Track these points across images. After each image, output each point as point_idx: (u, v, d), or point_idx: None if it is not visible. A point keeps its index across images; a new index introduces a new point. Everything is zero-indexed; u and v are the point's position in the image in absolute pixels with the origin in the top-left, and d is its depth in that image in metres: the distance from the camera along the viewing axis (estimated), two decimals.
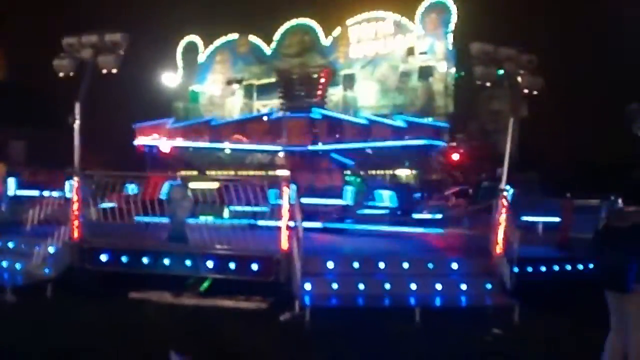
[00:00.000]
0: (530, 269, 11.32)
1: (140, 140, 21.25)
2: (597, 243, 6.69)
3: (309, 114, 17.71)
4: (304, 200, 13.65)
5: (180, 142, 19.37)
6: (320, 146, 16.81)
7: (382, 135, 18.33)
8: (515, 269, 10.66)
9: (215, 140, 19.37)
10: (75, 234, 11.29)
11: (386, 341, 8.68)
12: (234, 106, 27.93)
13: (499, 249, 10.95)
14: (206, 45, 29.47)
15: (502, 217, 11.06)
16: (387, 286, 10.31)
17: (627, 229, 6.15)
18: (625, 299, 6.12)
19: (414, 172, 20.56)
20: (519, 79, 12.08)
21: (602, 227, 6.67)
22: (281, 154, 18.54)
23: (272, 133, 17.60)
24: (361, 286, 10.24)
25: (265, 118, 19.23)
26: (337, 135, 17.48)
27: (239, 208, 12.72)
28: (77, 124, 11.80)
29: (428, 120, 19.10)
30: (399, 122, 17.43)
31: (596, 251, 6.74)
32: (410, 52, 23.92)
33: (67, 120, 11.82)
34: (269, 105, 25.88)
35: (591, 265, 10.59)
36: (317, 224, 14.77)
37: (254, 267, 10.55)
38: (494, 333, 9.06)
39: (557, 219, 13.72)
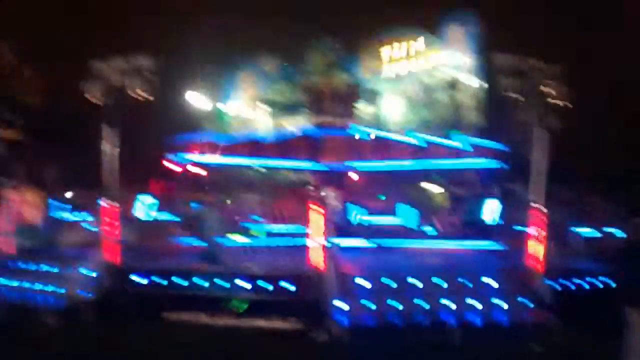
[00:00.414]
0: (571, 284, 11.14)
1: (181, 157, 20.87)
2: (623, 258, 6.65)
3: (348, 131, 17.49)
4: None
5: (210, 159, 19.08)
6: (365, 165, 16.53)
7: (436, 155, 18.05)
8: (555, 285, 10.53)
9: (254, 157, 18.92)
10: (112, 257, 11.50)
11: (422, 358, 8.63)
12: (260, 125, 28.09)
13: (534, 263, 10.81)
14: (232, 64, 29.75)
15: (538, 232, 10.93)
16: (423, 304, 10.24)
17: None
18: None
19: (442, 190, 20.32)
20: (547, 89, 12.00)
21: (625, 242, 6.63)
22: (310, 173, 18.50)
23: (309, 150, 17.27)
24: (397, 304, 10.18)
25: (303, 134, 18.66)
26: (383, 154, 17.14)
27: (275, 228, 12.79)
28: (108, 147, 12.03)
29: (487, 142, 18.85)
30: (457, 143, 17.26)
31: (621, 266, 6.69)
32: (436, 66, 23.86)
33: (99, 144, 12.07)
34: (296, 124, 25.96)
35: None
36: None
37: (289, 287, 10.59)
38: (533, 350, 8.94)
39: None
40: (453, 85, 23.33)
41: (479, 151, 17.13)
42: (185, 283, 11.10)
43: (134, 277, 11.25)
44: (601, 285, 11.47)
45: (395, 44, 24.92)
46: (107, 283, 11.26)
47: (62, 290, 11.24)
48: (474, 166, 17.15)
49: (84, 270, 11.38)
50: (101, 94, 12.26)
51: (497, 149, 17.54)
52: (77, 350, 9.02)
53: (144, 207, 15.32)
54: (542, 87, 12.15)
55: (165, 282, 11.19)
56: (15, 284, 11.90)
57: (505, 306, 10.23)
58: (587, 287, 11.37)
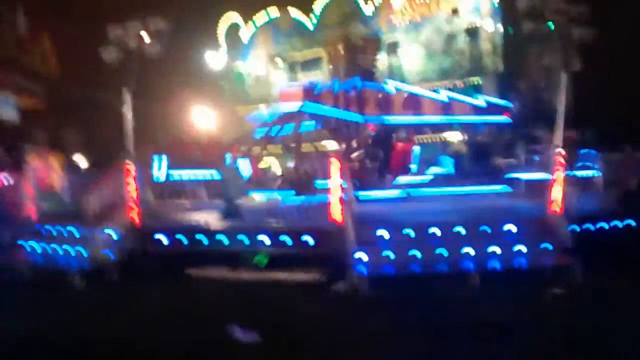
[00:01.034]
0: (590, 226, 11.02)
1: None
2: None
3: (381, 86, 17.27)
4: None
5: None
6: (397, 119, 16.41)
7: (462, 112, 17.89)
8: (575, 227, 10.41)
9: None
10: (135, 218, 11.68)
11: (444, 307, 8.64)
12: (279, 83, 27.94)
13: (556, 207, 10.68)
14: (247, 23, 29.49)
15: (559, 175, 10.76)
16: (443, 252, 10.23)
17: None
18: None
19: (463, 136, 20.08)
20: (570, 31, 11.60)
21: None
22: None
23: (348, 103, 16.98)
24: (416, 253, 10.18)
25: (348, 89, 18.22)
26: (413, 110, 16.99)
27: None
28: (127, 111, 12.11)
29: (503, 102, 18.55)
30: (479, 101, 17.04)
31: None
32: (455, 12, 23.30)
33: (118, 107, 12.15)
34: (313, 79, 25.74)
35: None
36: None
37: (309, 240, 10.66)
38: (555, 293, 8.89)
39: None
40: (474, 31, 22.80)
41: (497, 109, 16.87)
42: (207, 239, 11.25)
43: (155, 236, 11.43)
44: (621, 227, 11.33)
45: None
46: (130, 243, 11.47)
47: (86, 252, 11.47)
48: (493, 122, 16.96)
49: (107, 232, 11.59)
50: (118, 57, 12.29)
51: (510, 107, 17.31)
52: (103, 309, 9.23)
53: (164, 167, 15.42)
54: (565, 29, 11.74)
55: (187, 240, 11.36)
56: (40, 246, 12.18)
57: (526, 251, 10.17)
58: (608, 229, 11.23)
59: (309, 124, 17.01)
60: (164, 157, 15.32)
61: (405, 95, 16.56)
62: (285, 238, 10.80)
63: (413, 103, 16.43)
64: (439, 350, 7.13)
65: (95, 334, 8.01)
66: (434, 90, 17.31)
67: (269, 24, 28.84)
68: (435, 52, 23.86)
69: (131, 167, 11.84)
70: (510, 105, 17.69)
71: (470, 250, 10.18)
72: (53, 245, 11.97)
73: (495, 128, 18.06)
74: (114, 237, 11.61)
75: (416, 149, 17.13)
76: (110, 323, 8.52)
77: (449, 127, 19.36)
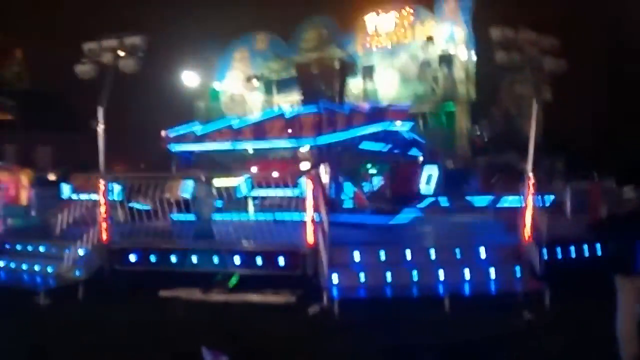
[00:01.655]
0: (560, 253, 11.17)
1: (174, 147, 21.34)
2: (606, 229, 6.68)
3: (315, 107, 17.64)
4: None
5: (207, 146, 19.54)
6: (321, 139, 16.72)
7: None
8: (545, 253, 10.54)
9: (237, 141, 19.34)
10: (104, 236, 11.47)
11: (416, 331, 8.63)
12: (255, 103, 28.00)
13: (527, 233, 10.80)
14: (225, 43, 29.59)
15: (530, 201, 10.90)
16: (415, 275, 10.25)
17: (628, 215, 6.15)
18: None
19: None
20: (542, 62, 11.88)
21: (608, 213, 6.67)
22: (303, 149, 18.49)
23: (291, 129, 17.51)
24: (389, 276, 10.20)
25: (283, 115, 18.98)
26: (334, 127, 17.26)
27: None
28: (101, 128, 11.97)
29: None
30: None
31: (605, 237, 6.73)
32: (430, 40, 23.69)
33: (91, 124, 12.01)
34: (290, 100, 25.87)
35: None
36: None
37: (281, 261, 10.59)
38: (526, 318, 8.95)
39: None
40: (448, 59, 23.19)
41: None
42: (178, 260, 11.10)
43: (126, 256, 11.24)
44: (588, 254, 11.50)
45: (389, 18, 24.77)
46: (98, 261, 11.25)
47: (52, 269, 11.22)
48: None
49: (74, 249, 11.35)
50: (93, 74, 12.18)
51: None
52: (68, 329, 9.00)
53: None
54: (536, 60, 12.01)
55: (158, 259, 11.19)
56: (4, 263, 11.88)
57: (497, 275, 10.25)
58: (576, 255, 11.39)
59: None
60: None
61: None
62: (258, 259, 10.71)
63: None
64: None
65: (60, 354, 7.79)
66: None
67: (246, 44, 28.97)
68: (409, 78, 24.19)
69: (102, 184, 11.65)
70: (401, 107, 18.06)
71: (444, 274, 10.21)
72: (18, 262, 11.67)
73: (469, 155, 18.36)
74: (82, 254, 11.37)
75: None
76: (75, 343, 8.29)
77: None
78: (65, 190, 14.92)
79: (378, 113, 16.84)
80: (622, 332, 6.30)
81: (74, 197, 12.84)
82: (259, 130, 17.96)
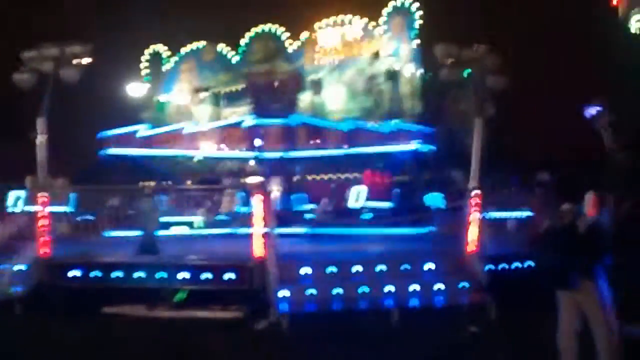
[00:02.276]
0: (503, 266, 11.44)
1: (111, 150, 20.77)
2: (543, 244, 6.87)
3: (285, 120, 17.62)
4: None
5: (152, 151, 18.93)
6: (297, 153, 16.75)
7: (366, 141, 18.38)
8: (489, 267, 10.78)
9: (187, 148, 19.03)
10: (44, 250, 11.05)
11: (365, 344, 8.67)
12: (202, 115, 27.68)
13: (471, 247, 11.03)
14: (171, 54, 29.22)
15: (474, 216, 11.15)
16: (364, 289, 10.30)
17: (583, 232, 6.33)
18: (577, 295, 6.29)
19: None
20: (485, 78, 12.23)
21: (545, 228, 6.86)
22: (252, 162, 18.42)
23: (248, 140, 17.41)
24: (338, 290, 10.22)
25: (243, 124, 18.79)
26: (317, 142, 17.42)
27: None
28: (40, 139, 11.57)
29: (416, 126, 19.28)
30: (385, 128, 17.62)
31: (542, 251, 6.92)
32: (377, 55, 24.04)
33: (30, 134, 11.62)
34: (237, 113, 25.70)
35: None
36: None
37: (229, 276, 10.47)
38: (471, 331, 9.11)
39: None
40: (394, 74, 23.55)
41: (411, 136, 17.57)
42: (123, 275, 10.81)
43: (68, 271, 10.87)
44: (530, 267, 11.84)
45: (336, 33, 25.01)
46: (40, 277, 10.84)
47: None
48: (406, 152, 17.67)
49: (14, 264, 10.90)
50: (32, 82, 11.81)
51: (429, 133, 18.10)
52: (4, 347, 8.61)
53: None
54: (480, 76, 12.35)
55: (101, 275, 10.87)
56: None
57: (444, 289, 10.42)
58: (519, 269, 11.71)
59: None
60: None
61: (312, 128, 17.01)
62: (205, 274, 10.55)
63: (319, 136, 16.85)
64: None
65: None
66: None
67: (193, 56, 28.67)
68: (357, 92, 24.43)
69: (43, 197, 11.25)
70: (427, 129, 18.37)
71: (392, 288, 10.31)
72: None
73: (416, 168, 18.63)
74: (22, 269, 10.93)
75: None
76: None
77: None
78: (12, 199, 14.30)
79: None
80: (563, 345, 6.49)
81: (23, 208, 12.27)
82: (213, 138, 17.63)
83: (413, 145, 18.01)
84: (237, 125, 18.11)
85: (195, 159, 19.25)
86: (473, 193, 11.32)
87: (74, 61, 12.00)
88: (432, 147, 18.59)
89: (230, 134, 17.80)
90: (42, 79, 11.91)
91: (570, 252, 6.27)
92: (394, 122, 19.89)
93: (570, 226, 6.45)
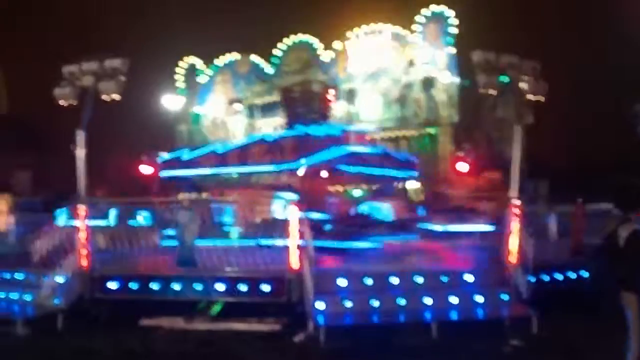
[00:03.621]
0: (546, 277, 11.14)
1: (147, 171, 21.64)
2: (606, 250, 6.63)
3: (296, 131, 17.78)
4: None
5: (188, 172, 19.61)
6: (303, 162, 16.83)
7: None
8: (531, 278, 10.51)
9: (221, 166, 19.35)
10: (84, 263, 11.20)
11: (402, 357, 8.53)
12: (237, 127, 27.91)
13: (513, 258, 10.77)
14: (207, 67, 29.56)
15: (515, 226, 10.89)
16: (402, 302, 10.14)
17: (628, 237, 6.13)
18: None
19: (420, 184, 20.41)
20: (523, 85, 11.97)
21: (608, 234, 6.60)
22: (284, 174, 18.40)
23: (272, 153, 17.59)
24: (375, 303, 10.07)
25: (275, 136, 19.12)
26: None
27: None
28: (81, 152, 11.75)
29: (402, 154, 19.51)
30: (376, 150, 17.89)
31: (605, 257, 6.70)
32: (412, 63, 23.85)
33: (70, 148, 11.80)
34: (272, 124, 25.82)
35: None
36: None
37: (266, 288, 10.42)
38: (513, 344, 8.88)
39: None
40: (430, 82, 23.32)
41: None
42: (160, 287, 10.87)
43: (107, 283, 10.99)
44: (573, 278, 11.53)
45: (370, 41, 24.92)
46: (78, 289, 10.97)
47: (31, 298, 10.91)
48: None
49: (54, 277, 11.06)
50: (73, 97, 11.99)
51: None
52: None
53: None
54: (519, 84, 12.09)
55: (139, 287, 10.95)
56: None
57: (484, 301, 10.19)
58: (564, 279, 11.39)
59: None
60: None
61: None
62: (242, 285, 10.53)
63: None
64: None
65: None
66: None
67: (228, 68, 28.95)
68: (392, 101, 24.28)
69: (82, 210, 11.40)
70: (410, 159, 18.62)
71: (429, 300, 10.12)
72: None
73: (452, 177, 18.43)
74: (62, 282, 11.09)
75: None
76: None
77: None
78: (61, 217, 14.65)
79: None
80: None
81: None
82: (242, 155, 17.99)
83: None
84: (269, 138, 18.25)
85: (233, 175, 19.45)
86: (512, 202, 11.05)
87: (114, 75, 12.15)
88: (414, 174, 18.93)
89: (258, 148, 18.06)
90: (82, 94, 12.08)
91: (610, 262, 6.09)
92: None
93: (611, 236, 6.24)
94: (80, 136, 11.80)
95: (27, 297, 11.00)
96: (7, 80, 26.15)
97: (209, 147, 20.63)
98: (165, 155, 20.61)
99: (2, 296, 11.31)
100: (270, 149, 17.74)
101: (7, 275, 11.78)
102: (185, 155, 19.78)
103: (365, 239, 14.23)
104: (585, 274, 11.62)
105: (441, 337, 9.28)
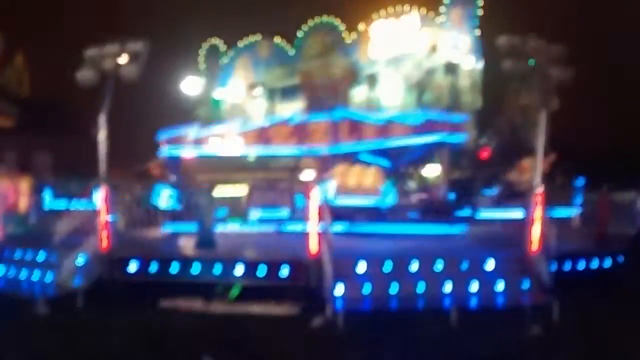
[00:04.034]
0: (568, 266, 10.97)
1: (165, 151, 21.13)
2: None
3: (330, 115, 17.45)
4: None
5: (204, 151, 19.11)
6: (340, 147, 16.54)
7: (400, 134, 17.86)
8: (553, 266, 10.34)
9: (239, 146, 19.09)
10: (104, 244, 11.27)
11: (421, 344, 8.43)
12: (257, 110, 27.82)
13: (535, 246, 10.60)
14: (228, 49, 29.43)
15: (537, 214, 10.71)
16: (421, 287, 10.05)
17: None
18: None
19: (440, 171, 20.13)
20: (550, 71, 11.70)
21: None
22: (308, 158, 18.30)
23: (296, 136, 17.36)
24: (394, 288, 9.99)
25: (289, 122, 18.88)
26: (357, 136, 17.13)
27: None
28: (101, 135, 11.78)
29: (445, 114, 18.54)
30: (413, 119, 17.10)
31: None
32: (435, 48, 23.49)
33: (92, 131, 11.84)
34: (293, 108, 25.69)
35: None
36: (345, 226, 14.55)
37: (284, 272, 10.41)
38: (534, 333, 8.74)
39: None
40: (453, 67, 22.99)
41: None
42: (179, 269, 10.91)
43: (125, 264, 11.05)
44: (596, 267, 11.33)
45: (393, 25, 24.59)
46: (98, 270, 11.06)
47: (51, 278, 11.03)
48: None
49: (74, 257, 11.15)
50: (93, 80, 12.01)
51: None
52: (66, 338, 8.81)
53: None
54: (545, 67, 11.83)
55: (158, 269, 11.00)
56: (2, 271, 11.69)
57: (505, 289, 10.06)
58: (586, 267, 11.20)
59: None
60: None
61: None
62: (261, 269, 10.52)
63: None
64: None
65: None
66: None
67: (248, 50, 28.81)
68: (414, 86, 23.98)
69: (103, 192, 11.46)
70: (458, 117, 17.83)
71: (450, 286, 10.01)
72: (16, 270, 11.48)
73: (474, 163, 18.11)
74: (82, 263, 11.18)
75: None
76: (74, 353, 8.11)
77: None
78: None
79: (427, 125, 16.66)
80: None
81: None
82: (263, 136, 17.64)
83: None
84: (288, 121, 18.00)
85: (249, 158, 19.28)
86: (537, 189, 10.87)
87: (134, 58, 12.13)
88: (462, 137, 17.75)
89: (281, 130, 17.71)
90: (103, 76, 12.09)
91: None
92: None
93: None
94: (101, 119, 11.84)
95: (48, 278, 11.12)
96: (29, 64, 26.32)
97: (225, 124, 20.32)
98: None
99: (24, 276, 11.43)
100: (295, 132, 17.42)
101: (29, 256, 11.92)
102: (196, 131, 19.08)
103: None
104: (608, 262, 11.44)
105: (461, 324, 9.16)
